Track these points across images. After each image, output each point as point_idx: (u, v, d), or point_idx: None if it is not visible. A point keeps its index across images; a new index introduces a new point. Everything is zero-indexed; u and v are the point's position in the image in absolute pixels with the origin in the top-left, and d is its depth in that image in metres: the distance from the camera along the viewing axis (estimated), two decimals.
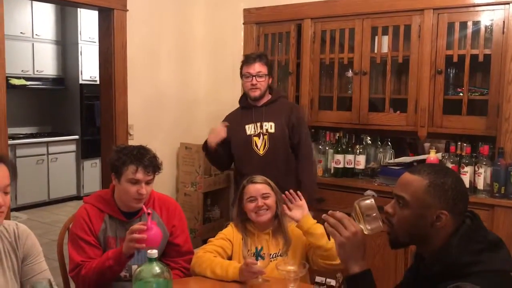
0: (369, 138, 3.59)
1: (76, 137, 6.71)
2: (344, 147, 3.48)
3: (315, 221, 2.13)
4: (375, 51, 3.38)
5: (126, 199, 2.08)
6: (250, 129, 2.98)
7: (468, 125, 3.06)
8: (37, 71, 6.49)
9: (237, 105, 3.21)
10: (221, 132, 2.98)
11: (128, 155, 2.06)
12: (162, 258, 2.16)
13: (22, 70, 6.29)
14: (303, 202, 2.21)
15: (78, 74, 6.63)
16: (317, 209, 3.19)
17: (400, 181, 1.49)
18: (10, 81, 5.92)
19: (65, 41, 6.72)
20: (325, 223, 1.51)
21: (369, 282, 1.45)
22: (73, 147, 6.71)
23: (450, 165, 2.98)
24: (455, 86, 3.23)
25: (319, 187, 3.42)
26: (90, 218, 2.10)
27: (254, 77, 2.95)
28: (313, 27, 3.59)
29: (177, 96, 3.98)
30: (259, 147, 2.96)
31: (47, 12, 6.55)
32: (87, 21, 6.48)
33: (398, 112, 3.37)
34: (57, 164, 6.52)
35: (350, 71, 3.53)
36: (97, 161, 6.71)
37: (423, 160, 3.09)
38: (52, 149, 6.46)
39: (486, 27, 2.98)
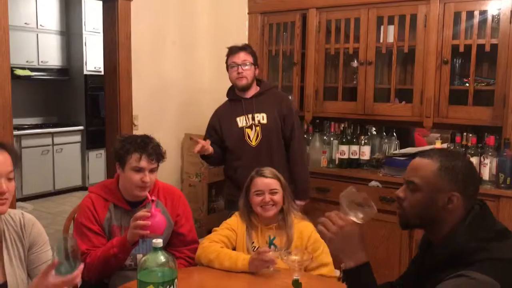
0: (374, 128, 3.58)
1: (81, 127, 6.72)
2: (349, 137, 3.47)
3: None
4: (381, 41, 3.36)
5: (130, 188, 2.08)
6: (241, 121, 2.95)
7: (474, 115, 3.04)
8: (41, 61, 6.49)
9: None
10: (205, 145, 2.84)
11: (132, 143, 2.08)
12: (167, 247, 2.17)
13: (26, 61, 6.29)
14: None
15: (82, 64, 6.63)
16: (311, 199, 3.21)
17: (411, 166, 1.49)
18: (15, 72, 5.92)
19: (70, 31, 6.72)
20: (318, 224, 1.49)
21: (365, 276, 1.43)
22: (78, 137, 6.72)
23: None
24: (461, 76, 3.21)
25: (324, 178, 3.43)
26: (95, 207, 2.11)
27: (239, 66, 2.90)
28: (318, 16, 3.56)
29: (182, 87, 3.97)
30: (251, 139, 2.93)
31: (52, 3, 6.54)
32: (91, 12, 6.46)
33: (403, 102, 3.35)
34: (62, 155, 6.54)
35: (356, 61, 3.51)
36: (102, 152, 6.73)
37: None
38: (57, 139, 6.48)
39: (493, 16, 2.95)
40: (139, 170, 2.05)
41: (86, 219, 2.09)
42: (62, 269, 1.46)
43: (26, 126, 6.34)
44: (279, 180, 2.25)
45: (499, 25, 2.93)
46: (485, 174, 2.94)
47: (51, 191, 6.45)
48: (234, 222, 2.27)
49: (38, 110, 6.79)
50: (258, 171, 2.28)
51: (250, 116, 2.94)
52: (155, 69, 3.76)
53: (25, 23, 6.19)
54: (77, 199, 5.95)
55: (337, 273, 2.37)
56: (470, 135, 3.03)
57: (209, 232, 2.28)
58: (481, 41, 2.99)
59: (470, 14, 3.01)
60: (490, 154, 2.93)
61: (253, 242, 2.20)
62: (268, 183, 2.21)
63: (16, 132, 5.52)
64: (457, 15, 3.05)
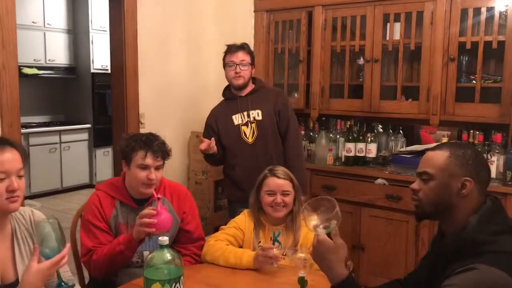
0: (380, 126, 3.57)
1: (88, 125, 6.75)
2: (355, 135, 3.47)
3: None
4: (387, 38, 3.35)
5: (136, 185, 2.10)
6: (237, 119, 2.94)
7: (481, 113, 3.03)
8: (49, 60, 6.52)
9: None
10: (211, 143, 2.86)
11: (137, 141, 2.09)
12: (173, 244, 2.18)
13: (34, 59, 6.33)
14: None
15: (89, 63, 6.65)
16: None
17: (422, 159, 1.53)
18: (23, 70, 5.96)
19: (76, 30, 6.74)
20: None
21: None
22: (85, 135, 6.76)
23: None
24: (468, 74, 3.19)
25: (330, 175, 3.43)
26: (102, 205, 2.12)
27: (237, 66, 2.90)
28: (324, 14, 3.56)
29: (188, 85, 3.98)
30: (247, 136, 2.92)
31: (59, 2, 6.57)
32: (98, 10, 6.49)
33: (410, 100, 3.34)
34: (70, 153, 6.57)
35: (362, 59, 3.51)
36: (109, 150, 6.76)
37: None
38: (65, 137, 6.51)
39: (500, 13, 2.94)
40: (145, 167, 2.07)
41: (93, 216, 2.10)
42: (49, 253, 1.48)
43: (34, 124, 6.39)
44: (292, 182, 2.24)
45: (507, 21, 2.92)
46: (492, 171, 2.91)
47: (58, 188, 6.49)
48: (242, 221, 2.27)
49: (46, 108, 6.83)
50: (272, 170, 2.26)
51: (245, 113, 2.94)
52: (162, 67, 3.77)
53: (33, 22, 6.22)
54: (84, 197, 5.98)
55: None
56: (477, 132, 3.02)
57: (216, 229, 2.29)
58: (488, 38, 2.98)
59: (477, 11, 3.00)
60: (497, 151, 2.92)
61: (260, 242, 2.21)
62: (281, 184, 2.20)
63: (23, 130, 5.56)
64: (464, 12, 3.03)
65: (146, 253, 2.12)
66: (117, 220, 2.13)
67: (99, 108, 6.75)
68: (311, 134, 3.72)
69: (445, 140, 3.13)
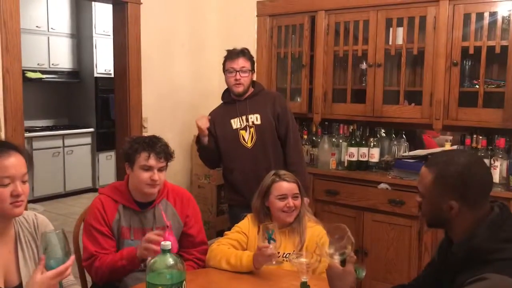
0: (383, 130, 3.57)
1: (92, 129, 6.77)
2: (358, 140, 3.47)
3: None
4: (390, 43, 3.35)
5: (140, 186, 2.10)
6: (236, 123, 2.94)
7: (484, 117, 3.02)
8: (52, 64, 6.55)
9: None
10: (205, 122, 2.92)
11: (140, 143, 2.11)
12: None
13: (38, 64, 6.35)
14: None
15: (93, 67, 6.68)
16: (320, 201, 3.20)
17: (419, 174, 1.55)
18: (26, 75, 5.98)
19: (80, 34, 6.77)
20: None
21: None
22: (88, 139, 6.77)
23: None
24: (471, 78, 3.19)
25: (332, 180, 3.42)
26: (105, 209, 2.13)
27: (237, 72, 2.89)
28: (327, 19, 3.56)
29: (191, 89, 3.99)
30: (246, 140, 2.91)
31: (62, 6, 6.60)
32: (102, 15, 6.51)
33: (412, 104, 3.34)
34: (73, 157, 6.59)
35: (364, 63, 3.51)
36: (112, 154, 6.77)
37: None
38: (68, 141, 6.53)
39: (503, 18, 2.93)
40: (148, 168, 2.08)
41: (95, 220, 2.11)
42: (53, 264, 1.48)
43: (37, 128, 6.40)
44: (298, 184, 2.25)
45: (510, 26, 2.91)
46: (496, 176, 2.91)
47: (61, 192, 6.50)
48: (246, 226, 2.26)
49: (49, 113, 6.85)
50: (279, 174, 2.25)
51: (244, 117, 2.93)
52: (165, 71, 3.79)
53: (36, 26, 6.25)
54: (87, 201, 5.98)
55: None
56: (480, 137, 3.02)
57: (218, 233, 2.29)
58: (491, 43, 2.97)
59: (480, 16, 2.99)
60: (500, 156, 2.91)
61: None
62: (291, 187, 2.20)
63: (27, 134, 5.57)
64: (466, 17, 3.03)
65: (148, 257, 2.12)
66: (120, 224, 2.13)
67: (102, 112, 6.77)
68: (313, 138, 3.71)
69: (448, 145, 3.13)
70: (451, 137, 3.41)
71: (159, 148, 2.11)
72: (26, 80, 5.47)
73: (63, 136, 6.48)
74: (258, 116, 2.92)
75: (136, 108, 3.57)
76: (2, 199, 1.56)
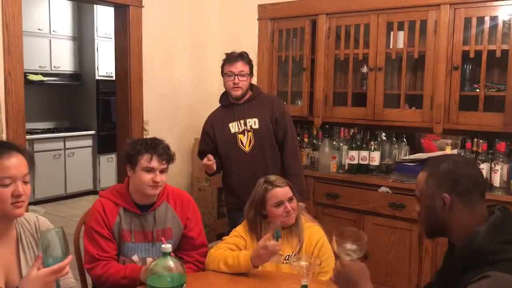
0: (384, 134, 3.57)
1: (93, 132, 6.78)
2: (358, 143, 3.47)
3: None
4: (391, 47, 3.36)
5: (142, 188, 2.11)
6: (234, 127, 2.94)
7: (484, 121, 3.02)
8: (54, 67, 6.56)
9: None
10: (213, 166, 2.88)
11: (143, 145, 2.12)
12: (176, 251, 2.18)
13: (39, 66, 6.36)
14: None
15: (94, 70, 6.69)
16: (320, 205, 3.19)
17: (416, 180, 1.60)
18: (28, 77, 5.99)
19: (82, 37, 6.79)
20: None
21: None
22: (89, 142, 6.78)
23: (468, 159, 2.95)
24: (471, 82, 3.19)
25: (333, 183, 3.43)
26: (105, 212, 2.13)
27: (236, 76, 2.89)
28: (328, 22, 3.57)
29: (192, 92, 4.00)
30: (244, 144, 2.92)
31: (64, 9, 6.62)
32: (103, 18, 6.53)
33: (413, 108, 3.35)
34: (74, 159, 6.59)
35: (365, 67, 3.51)
36: (113, 156, 6.78)
37: None
38: (69, 144, 6.53)
39: (504, 22, 2.94)
40: (150, 170, 2.09)
41: (96, 223, 2.11)
42: (51, 262, 1.47)
43: (39, 131, 6.41)
44: (290, 186, 2.24)
45: (510, 30, 2.92)
46: (496, 180, 2.92)
47: (62, 195, 6.50)
48: (242, 230, 2.26)
49: (51, 115, 6.86)
50: (270, 182, 2.22)
51: (242, 121, 2.93)
52: (166, 74, 3.80)
53: (38, 29, 6.27)
54: (88, 203, 5.99)
55: None
56: (481, 141, 3.02)
57: (218, 236, 2.29)
58: (491, 47, 2.98)
59: (481, 20, 3.00)
60: (501, 160, 2.91)
61: None
62: (285, 192, 2.19)
63: (28, 137, 5.59)
64: (467, 21, 3.04)
65: (149, 260, 2.12)
66: (121, 227, 2.14)
67: (103, 114, 6.77)
68: (314, 141, 3.72)
69: (448, 148, 3.13)
70: (450, 141, 3.42)
71: (161, 150, 2.12)
72: (27, 82, 5.46)
73: (64, 139, 6.49)
74: (256, 120, 2.93)
75: (137, 110, 3.57)
76: (3, 199, 1.56)
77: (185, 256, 2.19)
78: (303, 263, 1.82)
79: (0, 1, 2.80)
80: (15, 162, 1.59)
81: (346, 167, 3.49)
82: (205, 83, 4.09)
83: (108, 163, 6.89)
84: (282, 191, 2.19)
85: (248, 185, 2.65)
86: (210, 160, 2.82)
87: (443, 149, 3.34)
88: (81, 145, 6.68)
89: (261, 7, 3.91)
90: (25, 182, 1.61)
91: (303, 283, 1.77)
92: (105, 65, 6.67)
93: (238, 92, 2.92)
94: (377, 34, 3.37)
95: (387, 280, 3.20)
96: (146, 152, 2.09)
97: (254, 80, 3.51)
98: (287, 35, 3.83)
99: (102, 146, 6.79)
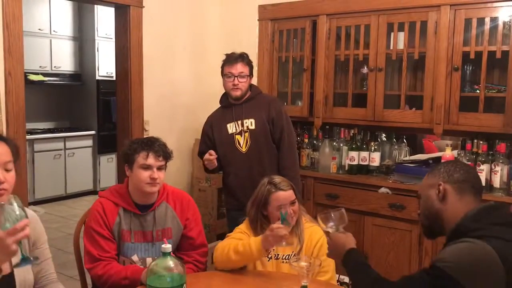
0: (384, 135, 3.57)
1: (93, 132, 6.78)
2: (358, 144, 3.47)
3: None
4: (391, 48, 3.36)
5: (140, 186, 2.11)
6: (231, 127, 2.95)
7: (485, 122, 3.02)
8: (54, 67, 6.57)
9: None
10: (214, 161, 2.89)
11: (139, 143, 2.14)
12: (175, 251, 2.19)
13: (40, 66, 6.37)
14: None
15: (94, 70, 6.70)
16: (320, 205, 3.19)
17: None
18: (29, 77, 5.99)
19: (82, 37, 6.79)
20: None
21: (352, 258, 1.68)
22: (89, 142, 6.78)
23: (466, 163, 2.95)
24: (471, 83, 3.19)
25: (333, 184, 3.43)
26: (105, 212, 2.13)
27: (236, 77, 2.90)
28: (328, 23, 3.57)
29: (192, 92, 4.00)
30: (241, 145, 2.93)
31: (65, 9, 6.62)
32: (104, 18, 6.53)
33: (413, 109, 3.35)
34: (74, 159, 6.59)
35: (365, 68, 3.51)
36: (113, 156, 6.78)
37: (439, 158, 3.07)
38: (69, 144, 6.54)
39: (504, 23, 2.94)
40: (147, 167, 2.09)
41: (96, 223, 2.11)
42: (8, 226, 1.40)
43: (39, 131, 6.41)
44: (293, 189, 2.23)
45: (510, 31, 2.92)
46: (496, 181, 2.91)
47: (62, 195, 6.51)
48: (245, 227, 2.26)
49: (51, 115, 6.87)
50: (275, 184, 2.19)
51: (239, 122, 2.94)
52: (166, 75, 3.80)
53: (39, 29, 6.27)
54: (88, 203, 5.97)
55: (346, 279, 2.37)
56: (481, 142, 3.02)
57: (219, 236, 2.29)
58: (492, 48, 2.98)
59: (481, 21, 3.00)
60: (501, 161, 2.91)
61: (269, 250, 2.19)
62: (288, 195, 2.17)
63: (29, 137, 5.60)
64: (467, 22, 3.04)
65: (149, 260, 2.13)
66: (120, 227, 2.14)
67: (103, 115, 6.78)
68: (314, 142, 3.72)
69: (448, 149, 3.13)
70: (450, 142, 3.42)
71: (157, 147, 2.13)
72: (28, 82, 5.46)
73: (64, 139, 6.49)
74: (253, 121, 2.94)
75: (138, 111, 3.58)
76: None
77: (185, 256, 2.19)
78: (303, 264, 1.82)
79: (0, 1, 2.81)
80: None
81: (346, 168, 3.49)
82: (206, 83, 4.09)
83: (108, 163, 6.89)
84: (285, 195, 2.17)
85: (246, 185, 2.66)
86: (212, 155, 2.84)
87: (443, 150, 3.34)
88: (81, 145, 6.68)
89: (262, 8, 3.91)
90: (7, 170, 1.60)
91: (302, 283, 1.77)
92: (105, 65, 6.68)
93: (238, 93, 2.94)
94: (377, 35, 3.37)
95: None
96: (142, 150, 2.11)
97: (255, 81, 3.51)
98: (287, 35, 3.83)
99: (102, 146, 6.79)
